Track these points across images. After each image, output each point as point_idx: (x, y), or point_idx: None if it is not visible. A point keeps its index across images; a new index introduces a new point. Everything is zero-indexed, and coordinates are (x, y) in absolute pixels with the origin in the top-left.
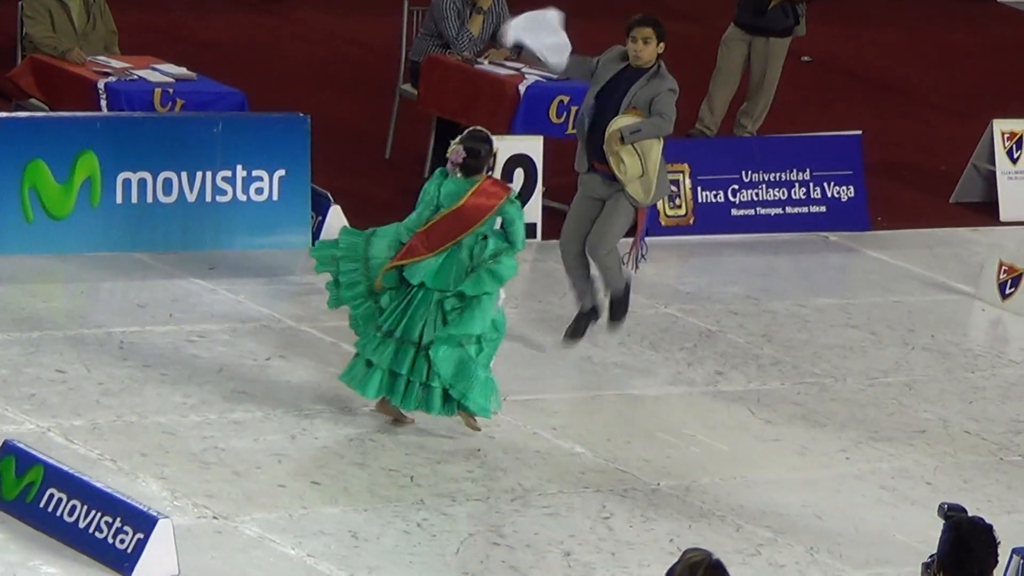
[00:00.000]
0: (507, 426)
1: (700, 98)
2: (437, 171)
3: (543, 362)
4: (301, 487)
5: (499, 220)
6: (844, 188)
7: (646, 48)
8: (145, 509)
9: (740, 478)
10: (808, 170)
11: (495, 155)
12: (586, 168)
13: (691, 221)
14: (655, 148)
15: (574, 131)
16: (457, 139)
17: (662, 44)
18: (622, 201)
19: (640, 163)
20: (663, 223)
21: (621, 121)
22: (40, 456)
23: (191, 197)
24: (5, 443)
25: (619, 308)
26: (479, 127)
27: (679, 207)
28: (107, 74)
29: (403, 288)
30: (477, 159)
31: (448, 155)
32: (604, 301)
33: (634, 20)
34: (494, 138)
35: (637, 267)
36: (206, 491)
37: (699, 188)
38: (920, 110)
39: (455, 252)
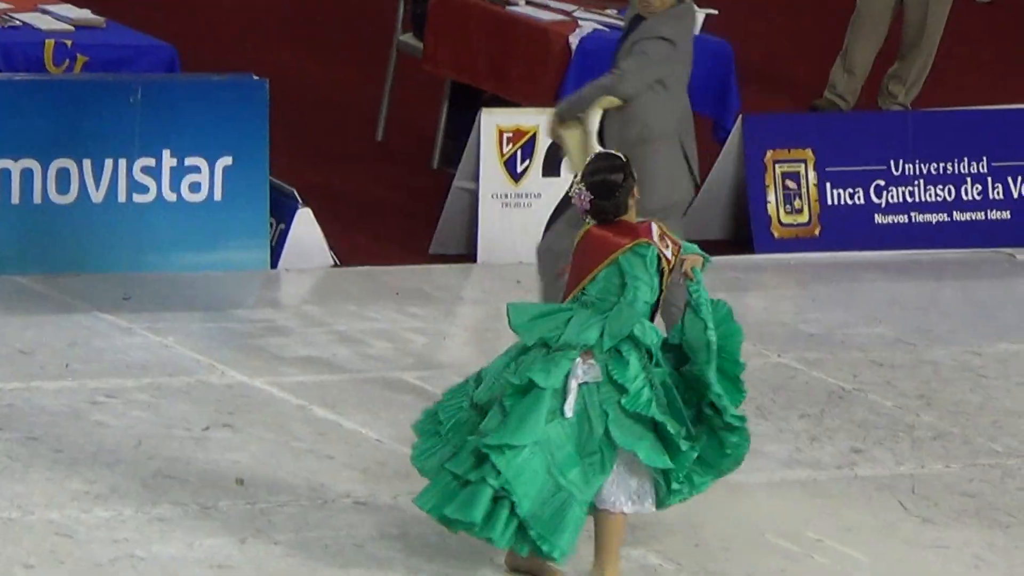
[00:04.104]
0: None
1: (831, 56)
2: None
3: None
4: None
5: None
6: None
7: None
8: None
9: None
10: (985, 159)
11: (635, 181)
12: None
13: (816, 232)
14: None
15: None
16: (578, 176)
17: None
18: None
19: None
20: (776, 234)
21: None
22: None
23: (97, 197)
24: None
25: None
26: (610, 151)
27: (799, 211)
28: None
29: None
30: (613, 198)
31: (570, 197)
32: None
33: None
34: (537, 111)
35: None
36: None
37: (828, 184)
38: None
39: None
